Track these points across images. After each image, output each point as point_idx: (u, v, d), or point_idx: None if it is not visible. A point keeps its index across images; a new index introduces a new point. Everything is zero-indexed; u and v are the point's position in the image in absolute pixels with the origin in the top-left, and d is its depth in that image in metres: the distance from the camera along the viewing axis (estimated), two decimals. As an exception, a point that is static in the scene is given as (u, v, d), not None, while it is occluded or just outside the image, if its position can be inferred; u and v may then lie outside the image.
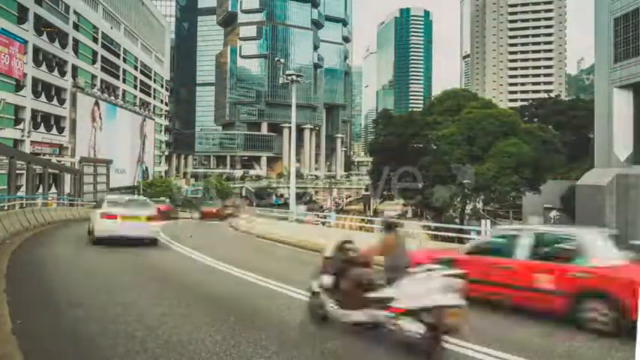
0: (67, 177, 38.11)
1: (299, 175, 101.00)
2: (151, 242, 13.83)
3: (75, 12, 51.92)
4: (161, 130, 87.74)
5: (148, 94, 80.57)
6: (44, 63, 45.38)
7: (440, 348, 4.73)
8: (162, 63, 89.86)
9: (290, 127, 49.02)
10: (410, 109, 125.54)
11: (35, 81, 43.92)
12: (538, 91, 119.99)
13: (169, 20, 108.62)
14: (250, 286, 8.49)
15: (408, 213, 69.15)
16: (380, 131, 53.15)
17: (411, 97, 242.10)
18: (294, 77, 27.26)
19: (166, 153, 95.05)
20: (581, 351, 5.42)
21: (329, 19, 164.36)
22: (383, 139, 48.86)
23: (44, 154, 43.92)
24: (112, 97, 61.41)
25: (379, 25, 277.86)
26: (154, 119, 78.94)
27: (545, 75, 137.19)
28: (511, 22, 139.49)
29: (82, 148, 51.48)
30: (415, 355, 4.76)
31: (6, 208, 18.57)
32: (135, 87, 73.69)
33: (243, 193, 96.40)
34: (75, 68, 52.01)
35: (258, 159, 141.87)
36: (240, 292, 7.98)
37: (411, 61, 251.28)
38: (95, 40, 57.93)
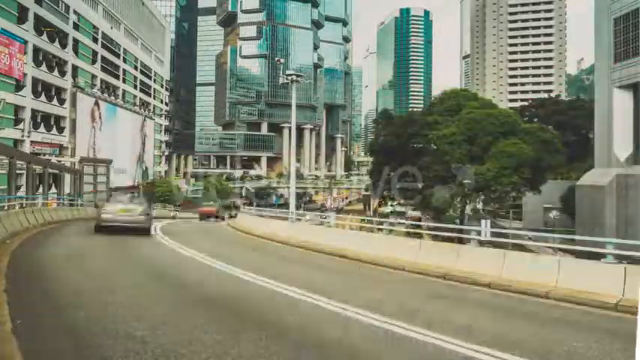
0: (67, 177, 38.09)
1: (299, 175, 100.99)
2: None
3: (75, 12, 51.92)
4: (161, 130, 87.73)
5: (148, 94, 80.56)
6: (44, 63, 45.37)
7: None
8: (162, 63, 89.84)
9: (290, 127, 49.03)
10: (410, 109, 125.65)
11: (35, 81, 43.91)
12: (538, 91, 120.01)
13: (169, 20, 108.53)
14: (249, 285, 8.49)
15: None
16: (380, 131, 53.19)
17: (411, 97, 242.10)
18: (294, 77, 27.24)
19: (166, 153, 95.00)
20: (581, 351, 5.42)
21: (329, 19, 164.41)
22: (383, 139, 48.88)
23: (44, 154, 43.91)
24: (112, 97, 61.42)
25: (379, 25, 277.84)
26: (153, 119, 78.93)
27: (545, 75, 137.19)
28: (511, 22, 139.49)
29: (82, 148, 51.47)
30: None
31: (6, 208, 18.55)
32: (135, 87, 73.67)
33: (243, 193, 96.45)
34: (75, 68, 52.01)
35: (258, 159, 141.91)
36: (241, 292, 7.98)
37: (411, 61, 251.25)
38: (95, 40, 57.93)
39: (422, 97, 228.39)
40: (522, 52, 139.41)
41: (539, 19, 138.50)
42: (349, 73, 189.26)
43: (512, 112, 50.31)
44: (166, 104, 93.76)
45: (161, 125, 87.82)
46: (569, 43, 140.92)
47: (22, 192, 27.45)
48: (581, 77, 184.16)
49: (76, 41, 52.14)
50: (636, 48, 31.51)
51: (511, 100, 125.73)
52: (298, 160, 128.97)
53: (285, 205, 58.08)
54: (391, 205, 66.64)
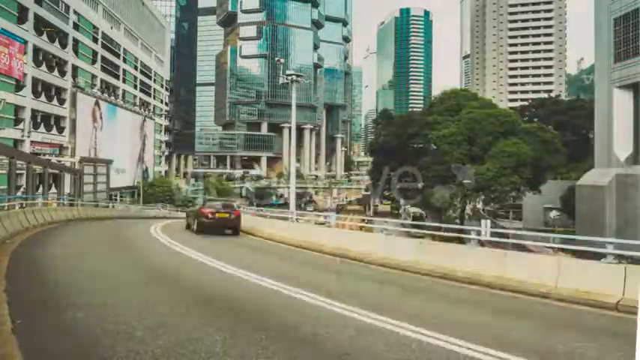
0: (67, 177, 38.09)
1: (299, 175, 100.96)
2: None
3: (75, 12, 51.90)
4: (161, 130, 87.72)
5: (148, 94, 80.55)
6: (44, 63, 45.35)
7: None
8: (162, 63, 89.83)
9: (290, 127, 49.06)
10: (410, 109, 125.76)
11: (35, 81, 43.90)
12: (538, 91, 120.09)
13: (169, 20, 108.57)
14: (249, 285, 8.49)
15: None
16: (380, 131, 53.25)
17: (411, 97, 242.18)
18: (294, 77, 27.26)
19: (166, 153, 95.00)
20: (581, 351, 5.41)
21: (329, 19, 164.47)
22: (383, 139, 48.93)
23: (44, 154, 43.89)
24: (112, 97, 61.41)
25: (379, 25, 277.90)
26: (153, 119, 78.92)
27: (545, 75, 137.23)
28: (511, 22, 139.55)
29: (82, 148, 51.46)
30: None
31: (6, 208, 18.56)
32: (135, 87, 73.67)
33: (243, 193, 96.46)
34: (75, 68, 52.00)
35: (258, 159, 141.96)
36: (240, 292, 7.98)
37: (411, 61, 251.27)
38: (95, 40, 57.91)
39: (422, 97, 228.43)
40: (522, 52, 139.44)
41: (539, 19, 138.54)
42: (349, 73, 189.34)
43: (512, 112, 50.35)
44: (166, 104, 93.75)
45: (161, 125, 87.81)
46: (569, 43, 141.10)
47: (22, 192, 27.47)
48: (581, 77, 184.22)
49: (76, 41, 52.12)
50: (636, 48, 31.51)
51: (511, 100, 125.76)
52: (298, 160, 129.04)
53: (285, 205, 58.03)
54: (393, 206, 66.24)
